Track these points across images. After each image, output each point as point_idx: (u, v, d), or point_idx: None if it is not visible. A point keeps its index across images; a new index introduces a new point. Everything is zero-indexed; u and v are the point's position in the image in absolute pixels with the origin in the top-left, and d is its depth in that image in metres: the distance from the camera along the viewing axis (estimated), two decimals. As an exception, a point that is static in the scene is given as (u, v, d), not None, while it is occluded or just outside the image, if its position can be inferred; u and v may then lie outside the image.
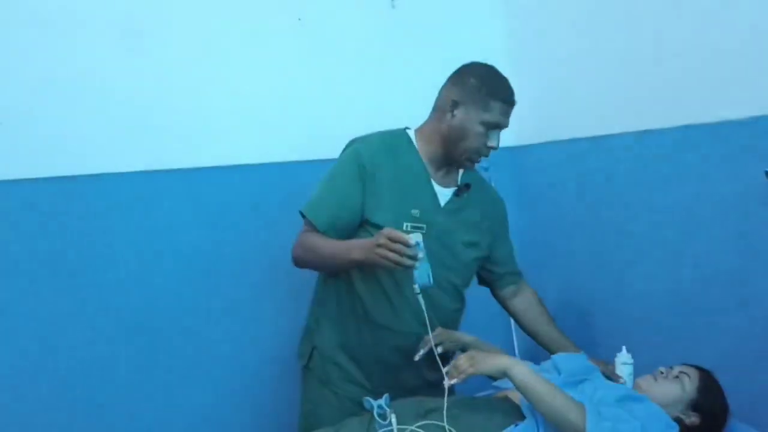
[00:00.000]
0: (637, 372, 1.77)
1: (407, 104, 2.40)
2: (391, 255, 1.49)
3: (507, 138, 2.56)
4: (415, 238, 1.51)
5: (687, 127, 1.88)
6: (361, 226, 1.71)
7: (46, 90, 1.91)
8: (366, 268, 1.66)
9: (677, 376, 1.60)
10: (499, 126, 1.69)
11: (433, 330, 1.62)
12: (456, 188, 1.79)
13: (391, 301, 1.71)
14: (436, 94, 2.56)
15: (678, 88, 1.91)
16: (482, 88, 1.68)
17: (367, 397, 1.44)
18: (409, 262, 1.49)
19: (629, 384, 1.71)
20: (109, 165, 1.99)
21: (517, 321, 1.99)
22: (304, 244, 1.72)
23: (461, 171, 1.83)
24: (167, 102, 2.08)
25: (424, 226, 1.69)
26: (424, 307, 1.54)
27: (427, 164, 1.75)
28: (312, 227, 1.71)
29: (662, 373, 1.61)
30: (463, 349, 1.68)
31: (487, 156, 1.73)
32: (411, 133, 1.79)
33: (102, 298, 1.99)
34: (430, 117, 1.78)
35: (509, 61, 2.54)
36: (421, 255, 1.50)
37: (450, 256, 1.74)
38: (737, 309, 1.78)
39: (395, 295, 1.71)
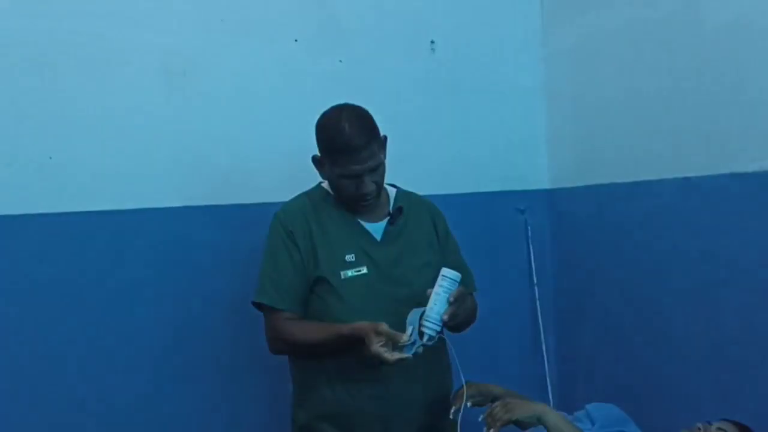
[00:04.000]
0: (676, 426, 1.72)
1: (446, 146, 2.48)
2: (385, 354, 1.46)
3: (544, 181, 2.65)
4: (413, 336, 1.48)
5: (730, 176, 1.85)
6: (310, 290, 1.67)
7: (94, 127, 1.98)
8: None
9: (715, 433, 1.55)
10: (356, 174, 1.58)
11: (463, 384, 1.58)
12: (389, 217, 1.72)
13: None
14: (475, 138, 2.56)
15: (722, 135, 1.88)
16: (321, 144, 1.63)
17: None
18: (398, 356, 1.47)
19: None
20: (151, 200, 2.04)
21: None
22: (282, 336, 1.64)
23: (390, 199, 1.76)
24: (209, 140, 2.12)
25: (364, 267, 1.64)
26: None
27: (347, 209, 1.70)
28: (275, 311, 1.64)
29: (699, 429, 1.56)
30: (494, 401, 1.65)
31: (368, 200, 1.64)
32: (326, 185, 1.74)
33: (121, 327, 2.01)
34: None
35: (547, 103, 2.60)
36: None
37: (406, 287, 1.66)
38: None
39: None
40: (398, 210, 1.73)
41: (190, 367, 2.10)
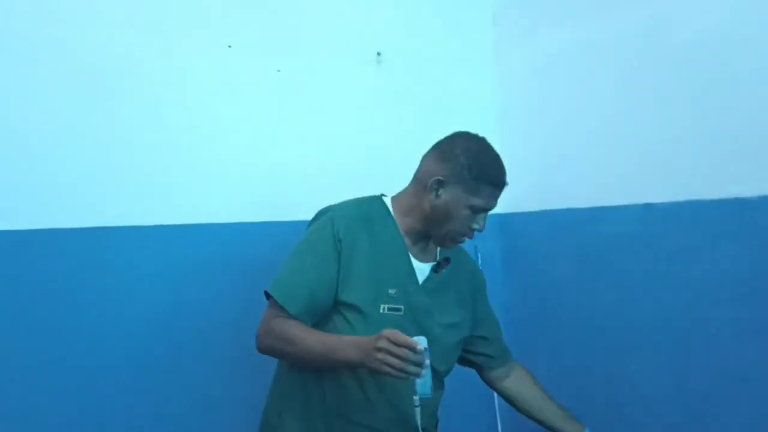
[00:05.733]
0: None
1: (390, 166, 2.30)
2: (396, 362, 1.30)
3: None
4: (421, 342, 1.33)
5: (694, 203, 1.76)
6: (335, 307, 1.53)
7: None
8: None
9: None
10: (487, 209, 1.57)
11: None
12: (435, 263, 1.63)
13: (365, 393, 1.52)
14: (420, 156, 2.42)
15: (685, 161, 1.80)
16: (472, 169, 1.52)
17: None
18: (415, 370, 1.30)
19: None
20: (81, 219, 1.86)
21: (512, 404, 1.82)
22: (277, 333, 1.49)
23: None
24: (138, 154, 1.95)
25: (402, 307, 1.53)
26: (419, 419, 1.37)
27: (405, 237, 1.59)
28: (281, 311, 1.50)
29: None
30: None
31: (471, 238, 1.60)
32: (387, 201, 1.63)
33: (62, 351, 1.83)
34: (409, 186, 1.64)
35: (499, 121, 2.49)
36: (427, 362, 1.32)
37: (429, 341, 1.52)
38: (752, 404, 1.62)
39: (370, 388, 1.52)
40: (446, 260, 1.64)
41: (190, 391, 1.98)
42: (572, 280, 2.17)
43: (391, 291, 1.52)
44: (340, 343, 1.43)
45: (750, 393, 1.63)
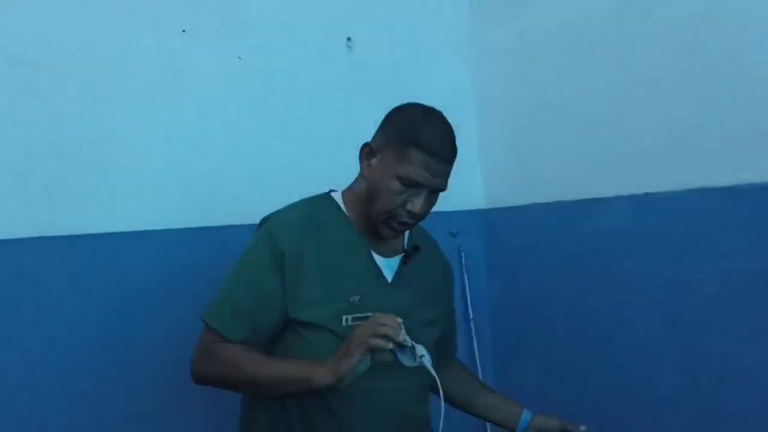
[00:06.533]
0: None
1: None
2: (376, 330, 1.19)
3: (477, 200, 2.42)
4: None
5: (698, 191, 1.66)
6: (288, 326, 1.36)
7: None
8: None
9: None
10: (419, 184, 1.31)
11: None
12: (403, 254, 1.45)
13: (338, 421, 1.36)
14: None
15: (686, 145, 1.69)
16: (403, 130, 1.32)
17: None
18: (399, 333, 1.20)
19: None
20: None
21: (449, 402, 1.58)
22: (218, 358, 1.34)
23: (406, 232, 1.49)
24: (59, 155, 1.75)
25: (369, 315, 1.33)
26: (431, 367, 1.22)
27: (363, 232, 1.40)
28: (219, 337, 1.35)
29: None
30: None
31: (409, 223, 1.37)
32: (338, 197, 1.45)
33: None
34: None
35: (478, 109, 2.38)
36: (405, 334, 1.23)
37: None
38: (761, 407, 1.53)
39: (346, 414, 1.36)
40: (415, 249, 1.46)
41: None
42: (562, 279, 2.07)
43: (354, 298, 1.35)
44: (296, 361, 1.31)
45: (760, 396, 1.53)
